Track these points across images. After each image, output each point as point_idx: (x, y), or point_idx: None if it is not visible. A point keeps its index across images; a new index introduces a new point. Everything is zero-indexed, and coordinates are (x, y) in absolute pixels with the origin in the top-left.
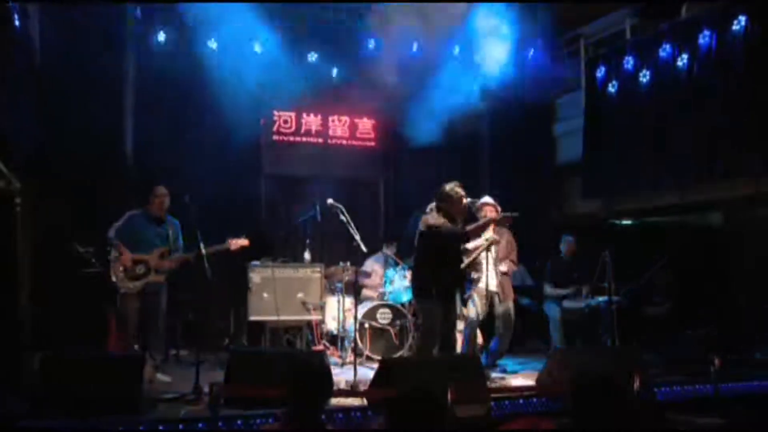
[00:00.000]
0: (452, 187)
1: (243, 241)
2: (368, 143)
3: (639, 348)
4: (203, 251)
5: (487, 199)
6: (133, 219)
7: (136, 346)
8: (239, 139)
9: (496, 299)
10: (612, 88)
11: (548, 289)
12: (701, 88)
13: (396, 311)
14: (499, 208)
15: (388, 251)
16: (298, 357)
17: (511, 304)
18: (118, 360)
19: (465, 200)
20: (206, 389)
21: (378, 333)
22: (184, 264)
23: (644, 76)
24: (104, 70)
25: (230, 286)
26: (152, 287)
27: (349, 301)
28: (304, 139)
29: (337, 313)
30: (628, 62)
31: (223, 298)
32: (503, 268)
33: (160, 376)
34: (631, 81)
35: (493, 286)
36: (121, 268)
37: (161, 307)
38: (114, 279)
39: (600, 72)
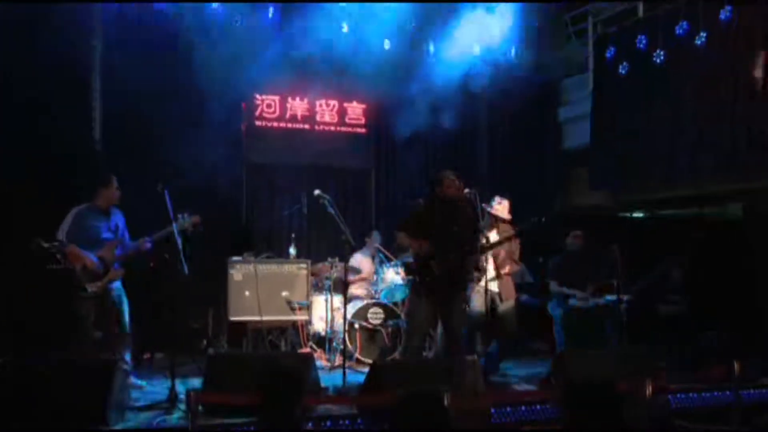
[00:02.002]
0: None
1: (195, 219)
2: (358, 129)
3: (651, 351)
4: (179, 246)
5: (500, 212)
6: (80, 215)
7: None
8: (218, 125)
9: (498, 300)
10: (623, 69)
11: (553, 287)
12: (721, 68)
13: (388, 311)
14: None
15: (376, 243)
16: (271, 360)
17: (512, 305)
18: (84, 366)
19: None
20: (183, 396)
21: (369, 334)
22: (138, 254)
23: (658, 56)
24: (69, 48)
25: (209, 283)
26: (112, 284)
27: (337, 300)
28: (289, 125)
29: (324, 312)
30: (641, 41)
31: (201, 296)
32: (505, 269)
33: (134, 381)
34: (643, 61)
35: (494, 286)
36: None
37: (124, 305)
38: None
39: (610, 52)
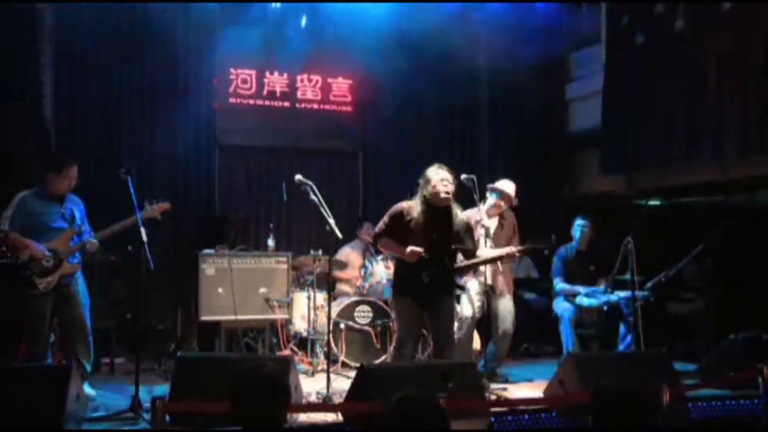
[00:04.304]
0: (434, 169)
1: (164, 205)
2: (344, 108)
3: (669, 354)
4: (144, 238)
5: (503, 188)
6: (26, 202)
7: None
8: (188, 103)
9: (491, 294)
10: (639, 38)
11: (558, 284)
12: (751, 34)
13: (377, 309)
14: (515, 202)
15: (366, 235)
16: (248, 363)
17: (509, 299)
18: (37, 372)
19: (445, 191)
20: (148, 405)
21: (355, 335)
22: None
23: (679, 24)
24: (15, 15)
25: (177, 279)
26: (67, 279)
27: (321, 297)
28: (266, 102)
29: (306, 311)
30: (659, 7)
31: (169, 294)
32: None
33: (87, 390)
34: (662, 30)
35: (488, 278)
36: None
37: (81, 302)
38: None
39: (624, 20)
